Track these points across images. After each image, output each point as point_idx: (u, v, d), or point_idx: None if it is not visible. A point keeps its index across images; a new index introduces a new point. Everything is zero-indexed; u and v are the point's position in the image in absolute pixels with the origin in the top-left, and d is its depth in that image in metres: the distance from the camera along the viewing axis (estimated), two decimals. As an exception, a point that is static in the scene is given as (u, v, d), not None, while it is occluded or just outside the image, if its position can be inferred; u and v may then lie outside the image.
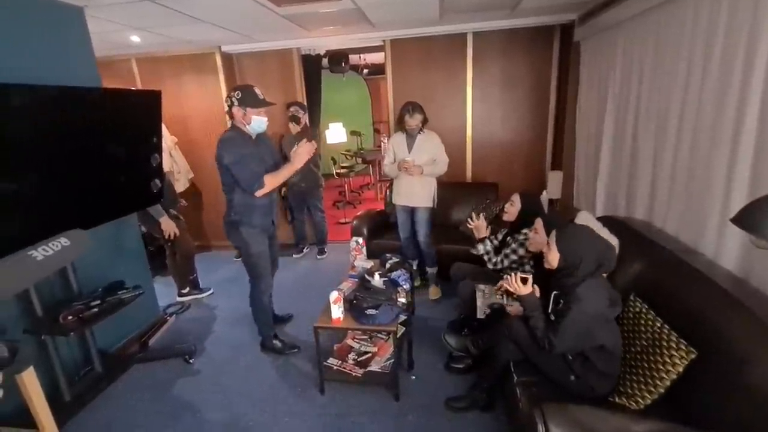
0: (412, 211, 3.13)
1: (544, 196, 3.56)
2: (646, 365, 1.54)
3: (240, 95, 2.19)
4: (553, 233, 1.73)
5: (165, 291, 3.47)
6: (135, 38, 3.36)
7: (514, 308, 1.95)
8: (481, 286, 2.24)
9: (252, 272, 2.51)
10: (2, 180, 1.68)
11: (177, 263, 3.35)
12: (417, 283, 3.26)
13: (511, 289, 1.79)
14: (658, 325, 1.56)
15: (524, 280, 1.84)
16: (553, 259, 1.69)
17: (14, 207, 1.75)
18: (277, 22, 3.10)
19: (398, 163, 2.94)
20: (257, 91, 2.24)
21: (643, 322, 1.64)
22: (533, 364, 1.74)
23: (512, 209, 2.44)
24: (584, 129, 3.19)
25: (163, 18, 2.76)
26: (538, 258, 1.98)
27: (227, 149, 2.20)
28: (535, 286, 1.82)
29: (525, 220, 2.35)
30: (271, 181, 2.29)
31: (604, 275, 1.72)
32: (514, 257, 2.36)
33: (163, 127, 4.06)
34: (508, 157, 3.96)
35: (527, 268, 2.31)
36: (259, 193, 2.26)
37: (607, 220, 2.37)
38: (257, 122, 2.26)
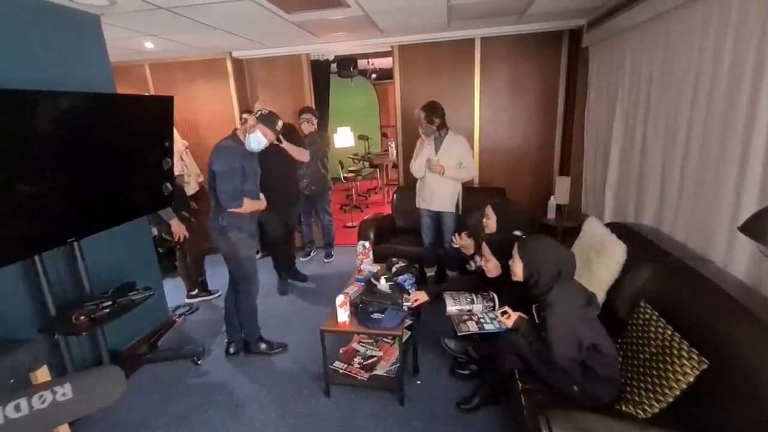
0: (437, 218, 3.13)
1: (552, 202, 3.55)
2: (654, 373, 1.52)
3: (266, 113, 2.39)
4: (516, 245, 1.79)
5: (174, 292, 3.52)
6: (149, 44, 3.43)
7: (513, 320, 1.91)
8: (453, 294, 2.23)
9: (241, 276, 2.55)
10: (20, 183, 1.73)
11: (186, 265, 3.39)
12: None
13: (510, 325, 1.81)
14: (669, 333, 1.55)
15: (503, 313, 1.85)
16: (517, 269, 1.76)
17: (30, 210, 1.80)
18: (287, 29, 3.15)
19: (426, 162, 2.94)
20: (280, 122, 2.44)
21: (653, 329, 1.63)
22: (536, 374, 1.73)
23: (489, 222, 2.43)
24: (593, 135, 3.18)
25: (176, 25, 2.83)
26: (513, 282, 1.96)
27: (220, 156, 2.31)
28: (516, 313, 1.84)
29: (504, 229, 2.36)
30: (249, 206, 2.40)
31: (575, 279, 1.75)
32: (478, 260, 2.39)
33: (175, 131, 4.15)
34: (516, 162, 3.95)
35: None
36: (232, 209, 2.35)
37: (615, 227, 2.36)
38: (256, 138, 2.36)
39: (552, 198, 3.55)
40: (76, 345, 2.26)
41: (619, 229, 2.31)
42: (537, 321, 1.75)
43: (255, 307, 2.62)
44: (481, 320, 2.07)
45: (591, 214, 3.10)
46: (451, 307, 2.08)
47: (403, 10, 2.78)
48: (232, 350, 2.70)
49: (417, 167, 3.03)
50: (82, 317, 1.98)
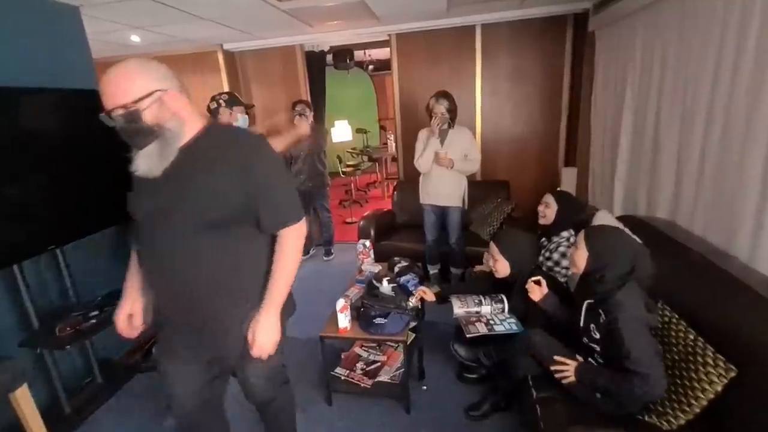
0: (442, 213, 3.00)
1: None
2: (678, 382, 1.41)
3: (227, 97, 2.44)
4: (582, 232, 1.61)
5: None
6: (135, 38, 3.28)
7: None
8: (460, 296, 2.11)
9: None
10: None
11: None
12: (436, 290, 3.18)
13: (534, 299, 1.72)
14: (691, 337, 1.44)
15: (537, 282, 1.76)
16: (579, 258, 1.57)
17: (5, 216, 1.68)
18: (278, 18, 3.00)
19: (433, 154, 2.80)
20: (237, 94, 2.52)
21: (673, 333, 1.52)
22: (554, 379, 1.62)
23: (548, 211, 2.30)
24: (600, 123, 3.05)
25: (160, 16, 2.68)
26: (523, 282, 1.88)
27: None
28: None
29: (563, 221, 2.23)
30: (274, 143, 2.36)
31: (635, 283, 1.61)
32: (549, 264, 2.25)
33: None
34: (519, 153, 3.83)
35: (563, 272, 2.19)
36: None
37: (627, 220, 2.24)
38: (243, 120, 2.47)
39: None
40: (65, 356, 2.15)
41: (630, 222, 2.19)
42: (584, 317, 1.60)
43: None
44: (491, 321, 1.96)
45: (599, 207, 2.99)
46: (458, 310, 1.97)
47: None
48: None
49: (424, 162, 2.87)
50: (68, 329, 1.87)
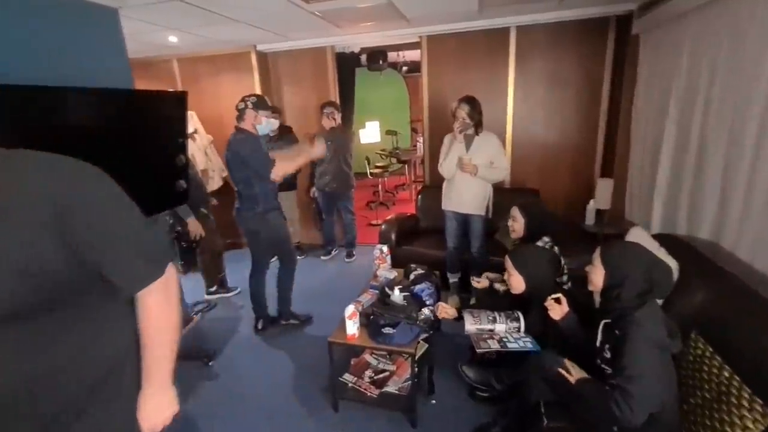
0: (464, 221, 2.92)
1: (591, 206, 3.25)
2: (708, 423, 1.28)
3: (255, 100, 2.52)
4: (598, 249, 1.53)
5: (197, 287, 3.53)
6: (173, 38, 3.41)
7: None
8: (474, 311, 2.01)
9: (285, 254, 2.78)
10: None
11: (206, 261, 3.38)
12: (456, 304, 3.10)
13: (554, 317, 1.65)
14: (726, 375, 1.29)
15: (557, 300, 1.68)
16: (597, 277, 1.48)
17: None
18: (308, 20, 3.02)
19: (458, 159, 2.73)
20: (266, 99, 2.60)
21: (706, 368, 1.38)
22: (568, 407, 1.52)
23: (516, 225, 2.23)
24: (640, 133, 2.85)
25: (196, 18, 2.77)
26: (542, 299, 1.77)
27: (242, 145, 2.44)
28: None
29: (533, 233, 2.14)
30: (282, 165, 2.49)
31: (659, 302, 1.48)
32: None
33: (200, 125, 4.16)
34: (552, 161, 3.65)
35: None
36: (273, 176, 2.46)
37: (664, 239, 2.07)
38: (267, 123, 2.58)
39: (591, 202, 3.24)
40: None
41: (668, 241, 2.03)
42: (601, 339, 1.51)
43: (293, 280, 2.87)
44: (504, 339, 1.86)
45: (636, 222, 2.79)
46: (470, 326, 1.88)
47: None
48: (260, 326, 2.90)
49: (447, 167, 2.80)
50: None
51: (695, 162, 2.14)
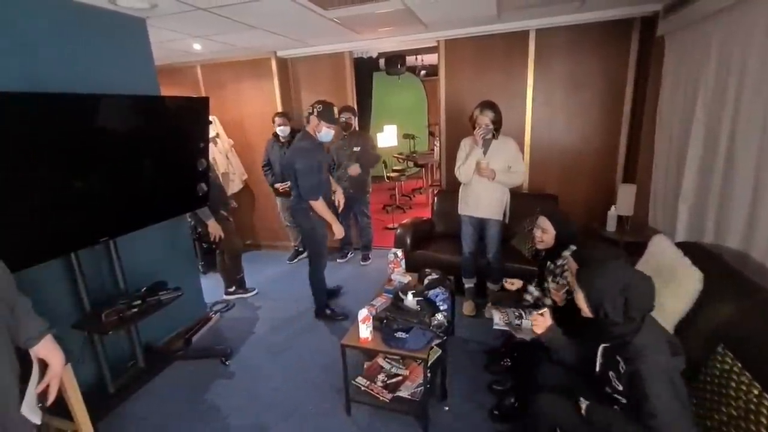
0: (480, 226, 2.89)
1: (612, 212, 3.15)
2: (734, 442, 1.22)
3: (321, 109, 2.66)
4: (577, 273, 1.50)
5: (216, 287, 3.61)
6: (197, 46, 3.52)
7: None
8: (501, 308, 2.02)
9: (315, 251, 2.97)
10: (57, 182, 1.79)
11: (225, 263, 3.45)
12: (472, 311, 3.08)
13: (537, 331, 1.63)
14: (755, 393, 1.23)
15: (541, 314, 1.66)
16: (580, 301, 1.43)
17: (66, 208, 1.86)
18: (326, 26, 3.06)
19: (476, 164, 2.70)
20: (335, 109, 2.73)
21: (734, 384, 1.31)
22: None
23: (547, 236, 2.11)
24: (665, 138, 2.76)
25: (217, 26, 2.84)
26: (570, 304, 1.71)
27: (301, 157, 2.66)
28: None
29: (562, 243, 2.07)
30: (319, 207, 2.74)
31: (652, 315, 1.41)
32: (557, 286, 2.07)
33: (221, 129, 4.27)
34: (572, 166, 3.57)
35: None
36: (311, 201, 2.71)
37: (688, 247, 1.99)
38: (326, 134, 2.73)
39: (613, 208, 3.15)
40: (112, 340, 2.33)
41: (694, 250, 1.94)
42: (600, 363, 1.45)
43: (323, 280, 3.07)
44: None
45: (659, 229, 2.70)
46: (499, 321, 1.90)
47: (446, 0, 2.56)
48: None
49: (465, 172, 2.76)
50: (112, 315, 2.03)
51: (724, 167, 2.06)
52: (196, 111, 2.53)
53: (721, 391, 1.35)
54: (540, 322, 1.65)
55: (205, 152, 2.63)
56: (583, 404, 1.41)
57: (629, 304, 1.29)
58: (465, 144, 2.83)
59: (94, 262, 2.24)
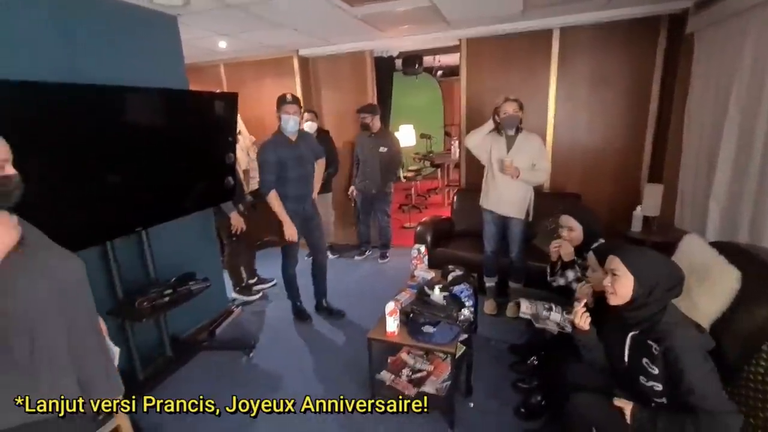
0: (503, 224, 2.86)
1: (638, 212, 3.10)
2: (779, 441, 1.19)
3: (277, 102, 2.61)
4: (615, 260, 1.42)
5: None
6: (222, 44, 3.58)
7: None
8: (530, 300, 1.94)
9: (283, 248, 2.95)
10: (94, 174, 1.84)
11: (238, 259, 3.46)
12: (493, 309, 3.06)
13: (585, 328, 1.58)
14: (801, 391, 1.20)
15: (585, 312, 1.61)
16: (624, 288, 1.37)
17: (103, 199, 1.91)
18: (351, 24, 3.09)
19: (497, 162, 2.70)
20: (288, 95, 2.63)
21: (776, 385, 1.28)
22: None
23: (574, 234, 2.10)
24: (695, 136, 2.71)
25: (245, 23, 2.90)
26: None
27: (261, 151, 2.63)
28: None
29: (588, 240, 2.05)
30: (271, 202, 2.67)
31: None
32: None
33: (243, 127, 4.32)
34: (595, 165, 3.53)
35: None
36: (264, 188, 2.66)
37: (723, 247, 1.95)
38: (285, 121, 2.62)
39: (638, 208, 3.10)
40: (143, 329, 2.38)
41: (729, 250, 1.90)
42: (629, 353, 1.44)
43: (290, 275, 3.05)
44: (560, 324, 1.82)
45: (688, 229, 2.65)
46: (527, 310, 1.84)
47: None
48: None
49: (474, 138, 2.76)
50: (145, 303, 2.07)
51: (760, 164, 2.01)
52: (225, 106, 2.57)
53: (758, 396, 1.32)
54: (586, 319, 1.58)
55: (233, 146, 2.67)
56: (627, 407, 1.36)
57: (673, 289, 1.33)
58: (488, 126, 2.75)
59: (126, 251, 2.29)
